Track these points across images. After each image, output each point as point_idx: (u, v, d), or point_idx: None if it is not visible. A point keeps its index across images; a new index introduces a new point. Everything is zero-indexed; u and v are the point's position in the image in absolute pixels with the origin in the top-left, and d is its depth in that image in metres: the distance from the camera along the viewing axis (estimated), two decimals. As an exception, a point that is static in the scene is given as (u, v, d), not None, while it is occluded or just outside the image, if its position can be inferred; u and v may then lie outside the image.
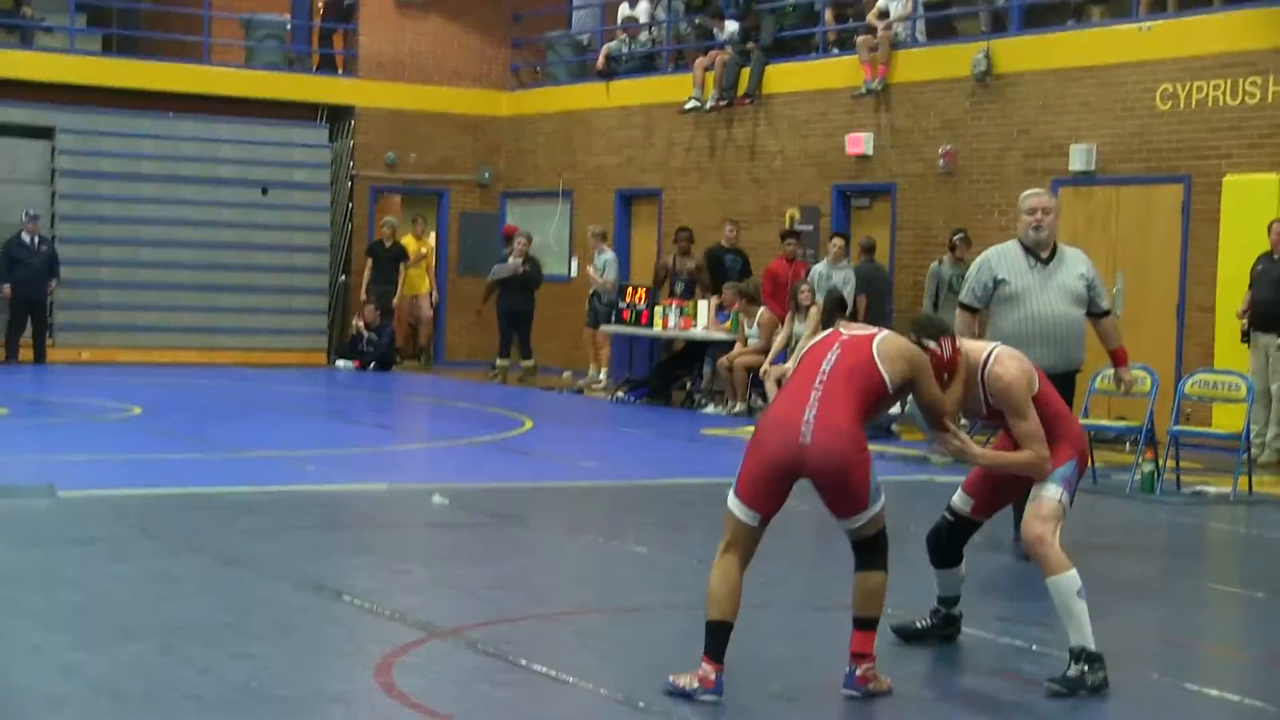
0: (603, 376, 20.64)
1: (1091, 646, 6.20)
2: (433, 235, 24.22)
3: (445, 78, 24.72)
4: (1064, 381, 9.08)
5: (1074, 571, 6.28)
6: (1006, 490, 6.93)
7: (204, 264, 22.73)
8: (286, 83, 23.92)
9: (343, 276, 23.84)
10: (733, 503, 6.08)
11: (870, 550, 6.12)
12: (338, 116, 24.20)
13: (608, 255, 20.63)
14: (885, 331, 6.26)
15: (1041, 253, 9.32)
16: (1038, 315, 9.21)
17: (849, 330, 6.30)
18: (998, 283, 9.29)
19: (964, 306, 9.51)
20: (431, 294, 23.65)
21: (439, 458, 14.00)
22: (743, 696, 5.97)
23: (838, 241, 17.09)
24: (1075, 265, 9.39)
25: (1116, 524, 11.22)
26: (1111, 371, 13.12)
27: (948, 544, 6.97)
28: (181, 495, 10.65)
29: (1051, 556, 6.31)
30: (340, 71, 24.73)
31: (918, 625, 6.99)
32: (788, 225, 19.76)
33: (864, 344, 6.13)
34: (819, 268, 17.13)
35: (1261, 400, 13.99)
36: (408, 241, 23.25)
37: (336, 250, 23.85)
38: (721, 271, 19.07)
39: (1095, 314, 9.47)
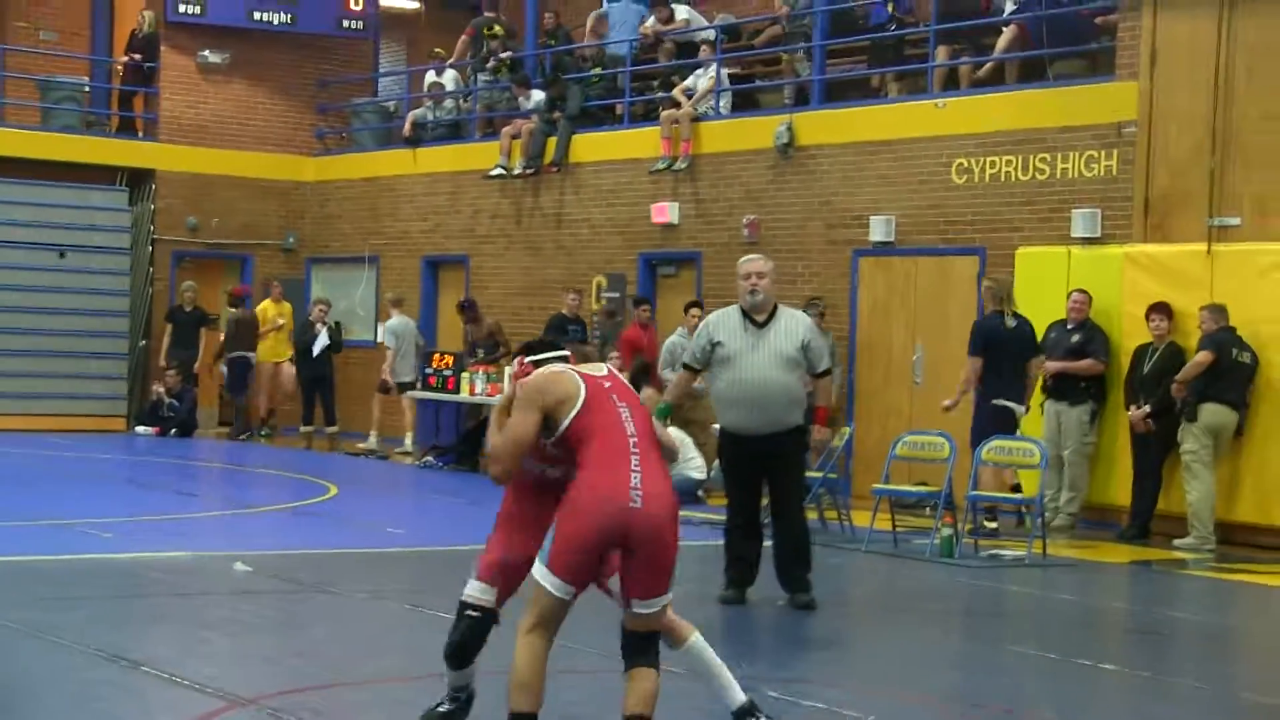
0: (407, 442, 20.55)
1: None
2: (287, 303, 22.73)
3: (249, 142, 24.47)
4: (768, 444, 9.61)
5: None
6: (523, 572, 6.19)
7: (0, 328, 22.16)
8: (85, 145, 23.46)
9: (143, 341, 23.38)
10: (545, 577, 5.67)
11: (651, 642, 5.82)
12: (138, 180, 23.79)
13: (392, 322, 20.85)
14: (605, 366, 6.06)
15: (757, 316, 9.75)
16: (746, 379, 9.64)
17: (594, 371, 5.93)
18: (714, 345, 9.73)
19: (686, 366, 10.00)
20: (290, 360, 22.04)
21: (242, 524, 13.77)
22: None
23: (695, 312, 17.03)
24: (792, 329, 9.78)
25: (917, 588, 11.43)
26: (910, 439, 13.50)
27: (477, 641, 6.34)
28: (-28, 565, 10.33)
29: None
30: (140, 135, 24.34)
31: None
32: (594, 293, 19.88)
33: (624, 387, 5.93)
34: (675, 338, 17.14)
35: (1054, 466, 14.38)
36: (265, 307, 22.36)
37: (137, 315, 23.40)
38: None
39: (815, 375, 9.91)
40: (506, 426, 5.84)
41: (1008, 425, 13.68)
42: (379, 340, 22.13)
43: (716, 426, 10.23)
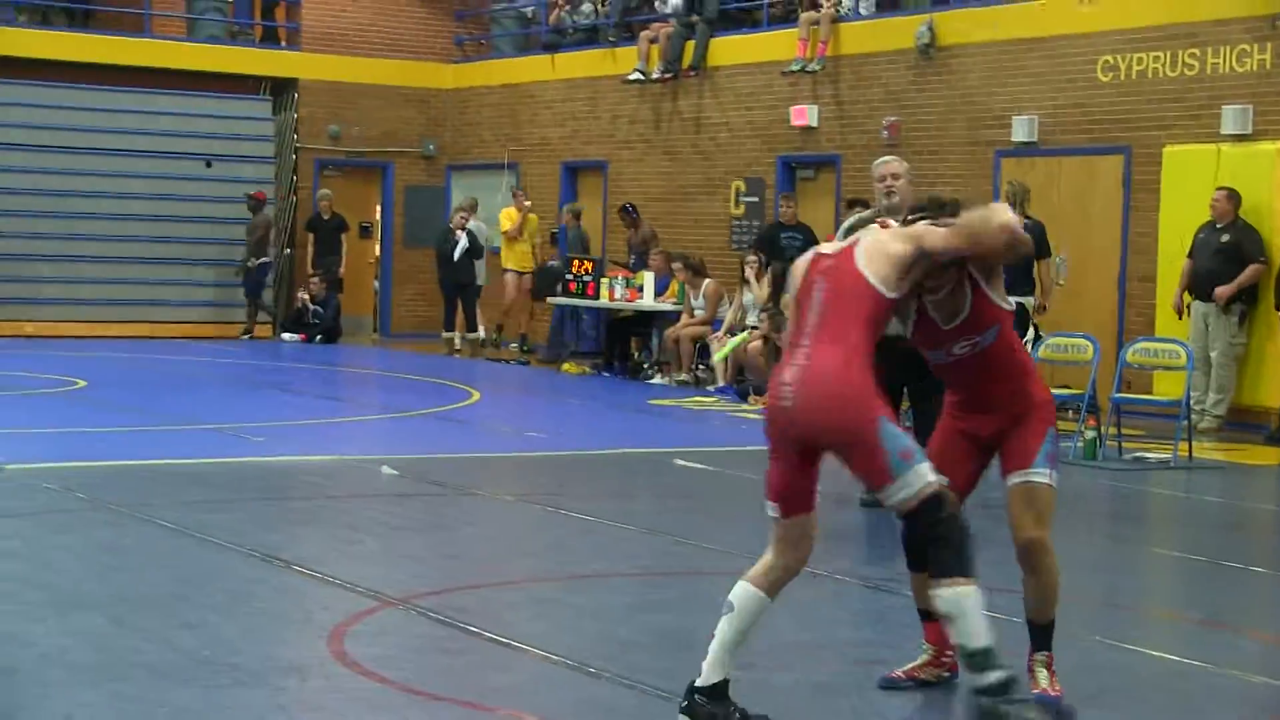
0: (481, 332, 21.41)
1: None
2: (533, 216, 21.65)
3: (389, 50, 24.64)
4: (905, 343, 9.38)
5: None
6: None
7: (148, 237, 22.60)
8: (229, 55, 23.77)
9: (288, 249, 23.74)
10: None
11: (929, 544, 5.07)
12: (281, 89, 24.08)
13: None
14: (869, 231, 5.39)
15: (895, 218, 9.56)
16: None
17: (831, 249, 5.35)
18: None
19: None
20: (530, 273, 21.30)
21: (387, 429, 14.01)
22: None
23: (858, 209, 16.90)
24: None
25: (1061, 491, 11.32)
26: (1053, 341, 13.34)
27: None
28: (128, 468, 10.63)
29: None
30: (283, 44, 24.60)
31: None
32: (732, 198, 19.83)
33: (846, 260, 5.23)
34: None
35: (1201, 367, 14.16)
36: (507, 213, 21.50)
37: (281, 223, 23.74)
38: (778, 253, 16.48)
39: None
40: None
41: (1022, 322, 13.71)
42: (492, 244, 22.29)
43: None
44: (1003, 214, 5.30)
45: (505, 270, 21.35)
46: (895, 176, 9.44)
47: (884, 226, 5.48)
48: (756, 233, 18.77)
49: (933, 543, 5.06)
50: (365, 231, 24.58)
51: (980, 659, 4.91)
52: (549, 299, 20.38)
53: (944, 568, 5.00)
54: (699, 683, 5.20)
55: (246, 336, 22.32)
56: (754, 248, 17.58)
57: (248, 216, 22.76)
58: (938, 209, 5.46)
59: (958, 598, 4.95)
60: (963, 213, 5.34)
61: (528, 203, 21.49)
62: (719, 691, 5.17)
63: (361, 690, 5.69)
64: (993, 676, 4.90)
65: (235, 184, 23.11)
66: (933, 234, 5.28)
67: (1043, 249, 14.36)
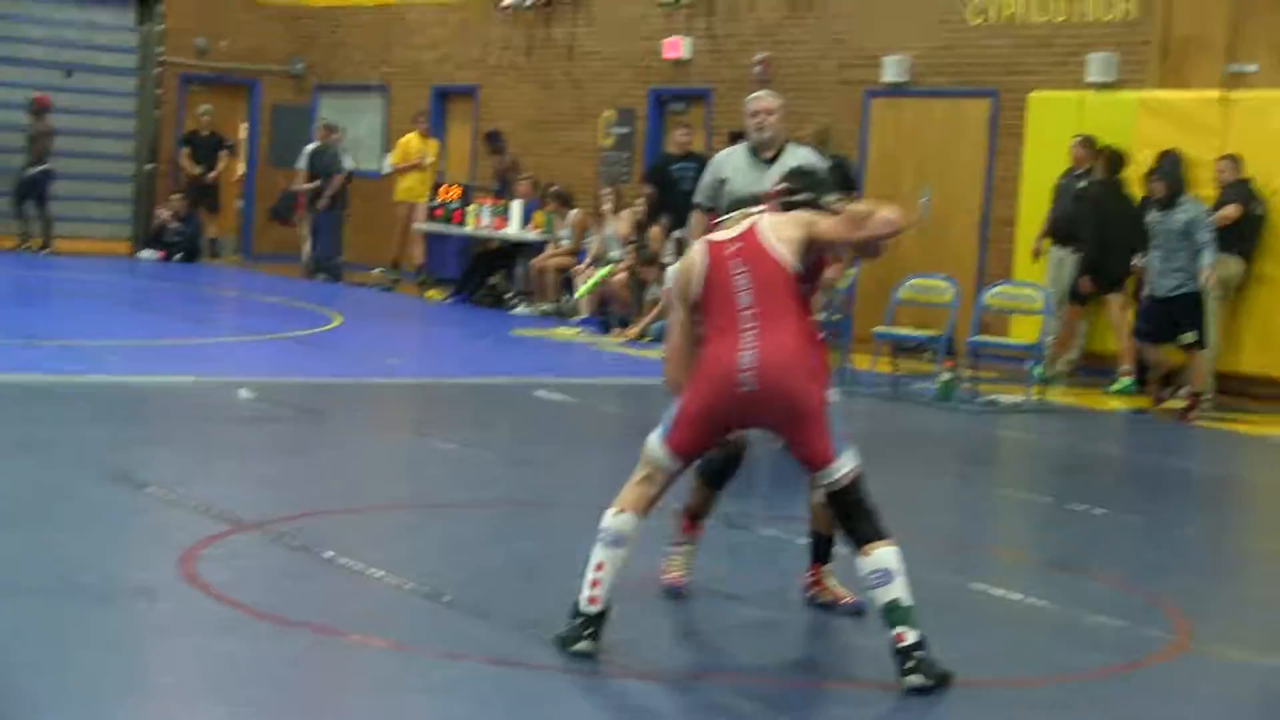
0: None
1: None
2: (434, 140, 20.80)
3: (258, -35, 24.17)
4: None
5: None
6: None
7: (3, 147, 22.03)
8: (92, -37, 23.19)
9: (149, 165, 23.27)
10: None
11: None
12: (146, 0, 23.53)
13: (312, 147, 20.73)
14: (762, 216, 5.69)
15: (764, 153, 9.54)
16: None
17: (725, 236, 5.65)
18: (721, 181, 9.50)
19: (696, 206, 9.61)
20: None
21: (246, 351, 13.84)
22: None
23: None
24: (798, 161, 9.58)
25: (915, 431, 11.52)
26: (914, 282, 13.51)
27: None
28: (-23, 384, 10.41)
29: None
30: (149, -47, 24.04)
31: None
32: (600, 128, 19.78)
33: (755, 243, 5.54)
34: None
35: (1056, 312, 14.40)
36: (409, 140, 20.41)
37: (143, 138, 23.26)
38: (670, 185, 15.87)
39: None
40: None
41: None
42: (383, 170, 22.03)
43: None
44: (886, 211, 5.60)
45: (401, 203, 20.37)
46: (769, 112, 9.43)
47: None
48: (635, 167, 18.61)
49: (853, 515, 5.45)
50: (230, 150, 24.14)
51: (907, 614, 5.25)
52: (417, 226, 20.17)
53: (865, 536, 5.39)
54: (592, 610, 5.36)
55: (33, 249, 20.91)
56: (643, 179, 17.33)
57: (108, 130, 22.25)
58: (801, 179, 6.00)
59: (887, 558, 5.32)
60: (849, 207, 5.74)
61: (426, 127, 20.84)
62: (604, 618, 5.39)
63: (212, 613, 5.65)
64: (916, 634, 5.25)
65: (94, 95, 22.58)
66: (823, 223, 5.63)
67: (849, 184, 14.53)
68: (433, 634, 5.64)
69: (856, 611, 6.02)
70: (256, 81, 24.22)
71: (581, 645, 5.35)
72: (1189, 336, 12.57)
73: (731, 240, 5.61)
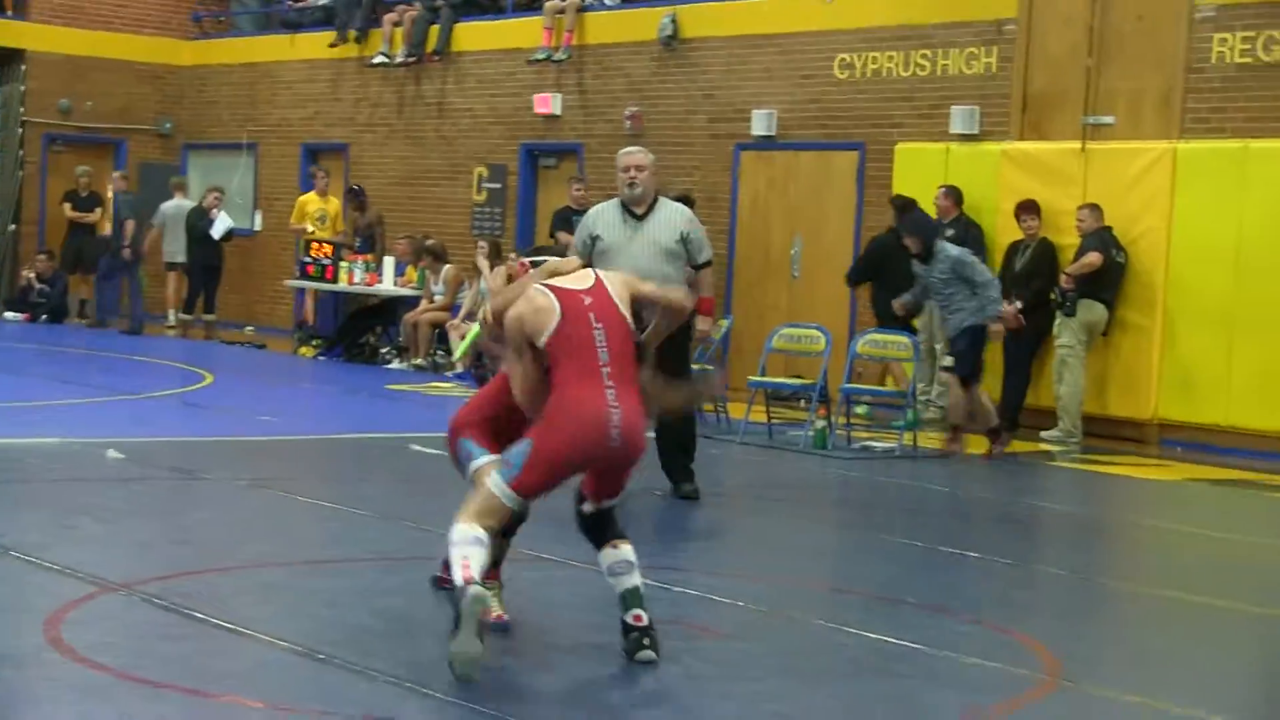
0: (171, 317, 21.24)
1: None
2: (334, 198, 20.48)
3: (123, 24, 23.95)
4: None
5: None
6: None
7: None
8: (-47, 22, 22.87)
9: (13, 226, 22.91)
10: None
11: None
12: (8, 60, 23.22)
13: (168, 204, 21.04)
14: (602, 274, 6.11)
15: (636, 209, 9.45)
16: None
17: (579, 286, 5.95)
18: (594, 238, 9.44)
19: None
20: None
21: (115, 411, 13.63)
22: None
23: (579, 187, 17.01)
24: (671, 220, 9.57)
25: (791, 479, 11.59)
26: (786, 331, 13.65)
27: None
28: None
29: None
30: (9, 13, 23.71)
31: None
32: (475, 184, 19.78)
33: (608, 301, 5.92)
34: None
35: (926, 359, 14.61)
36: (308, 199, 20.17)
37: (6, 199, 22.91)
38: None
39: (695, 266, 9.68)
40: (513, 379, 6.00)
41: None
42: (255, 228, 21.89)
43: None
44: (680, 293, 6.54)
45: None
46: (639, 168, 9.52)
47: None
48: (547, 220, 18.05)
49: (614, 521, 6.07)
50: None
51: (644, 598, 5.98)
52: (288, 282, 20.03)
53: (618, 534, 6.04)
54: (470, 591, 5.54)
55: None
56: (551, 234, 17.16)
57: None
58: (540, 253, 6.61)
59: (630, 552, 6.00)
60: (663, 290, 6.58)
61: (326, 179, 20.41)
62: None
63: (79, 679, 5.53)
64: (649, 615, 5.96)
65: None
66: (645, 285, 6.32)
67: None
68: (308, 693, 5.56)
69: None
70: (123, 140, 23.96)
71: (467, 633, 5.46)
72: (948, 360, 12.71)
73: (584, 292, 5.89)
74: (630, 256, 9.40)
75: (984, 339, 12.75)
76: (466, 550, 5.71)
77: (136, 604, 6.60)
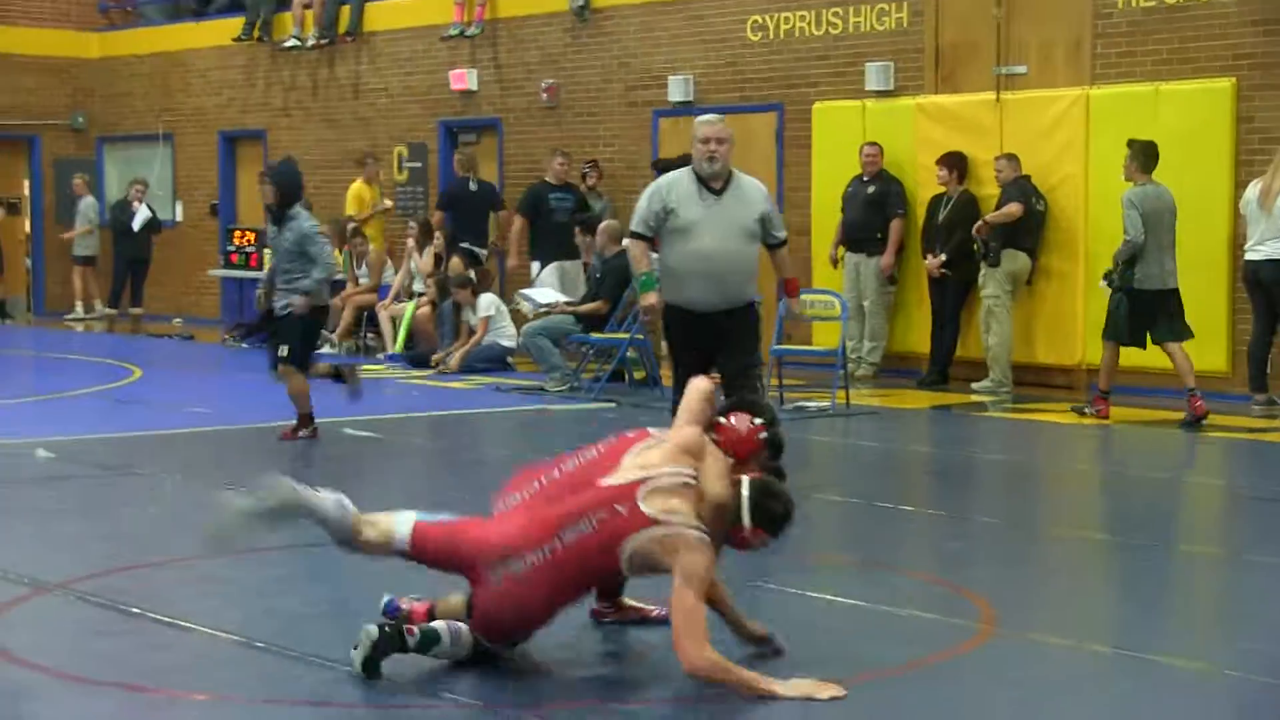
0: (79, 309, 21.72)
1: None
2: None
3: (25, 18, 23.62)
4: (726, 320, 8.85)
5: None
6: None
7: None
8: None
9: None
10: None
11: None
12: (-88, 60, 22.90)
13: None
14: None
15: (714, 184, 8.85)
16: (704, 251, 8.76)
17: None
18: (668, 213, 8.80)
19: (635, 235, 9.02)
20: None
21: (42, 411, 13.49)
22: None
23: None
24: (752, 198, 8.98)
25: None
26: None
27: None
28: None
29: None
30: (-89, 12, 23.39)
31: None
32: (395, 164, 19.69)
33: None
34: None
35: (856, 317, 14.68)
36: (361, 188, 18.83)
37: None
38: (546, 214, 16.30)
39: (771, 245, 9.14)
40: (700, 574, 5.50)
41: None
42: (177, 219, 21.71)
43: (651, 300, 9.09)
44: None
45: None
46: (720, 141, 8.78)
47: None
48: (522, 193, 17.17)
49: None
50: (13, 208, 23.57)
51: None
52: (211, 271, 19.90)
53: None
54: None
55: None
56: (518, 209, 16.70)
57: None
58: None
59: None
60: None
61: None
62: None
63: (15, 680, 5.49)
64: None
65: None
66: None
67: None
68: (249, 681, 5.55)
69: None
70: (36, 137, 23.68)
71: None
72: (285, 350, 11.35)
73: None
74: (710, 236, 8.80)
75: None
76: (325, 493, 5.75)
77: (72, 602, 6.56)
